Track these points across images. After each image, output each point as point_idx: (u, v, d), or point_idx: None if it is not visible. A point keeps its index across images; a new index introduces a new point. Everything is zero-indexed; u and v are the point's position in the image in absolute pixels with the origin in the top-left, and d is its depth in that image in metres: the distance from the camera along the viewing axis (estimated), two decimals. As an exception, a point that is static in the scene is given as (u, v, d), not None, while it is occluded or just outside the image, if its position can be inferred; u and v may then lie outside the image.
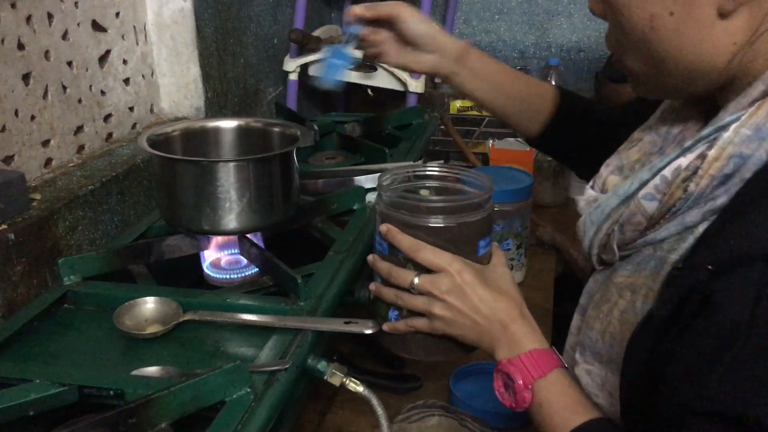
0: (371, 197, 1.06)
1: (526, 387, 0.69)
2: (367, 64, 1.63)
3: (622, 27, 0.64)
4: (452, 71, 0.96)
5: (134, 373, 0.67)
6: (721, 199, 0.60)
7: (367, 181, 1.08)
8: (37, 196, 0.92)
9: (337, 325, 0.73)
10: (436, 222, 0.73)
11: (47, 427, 0.63)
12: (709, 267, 0.55)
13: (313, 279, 0.82)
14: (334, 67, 0.94)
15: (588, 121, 1.01)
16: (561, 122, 1.00)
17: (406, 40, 0.94)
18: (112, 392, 0.64)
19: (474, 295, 0.72)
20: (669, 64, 0.62)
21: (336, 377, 0.69)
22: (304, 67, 1.72)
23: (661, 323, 0.60)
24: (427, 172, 0.83)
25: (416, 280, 0.73)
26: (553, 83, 1.91)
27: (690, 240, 0.63)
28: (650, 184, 0.65)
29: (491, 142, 1.58)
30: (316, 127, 1.28)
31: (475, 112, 1.99)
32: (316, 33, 1.77)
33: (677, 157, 0.63)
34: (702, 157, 0.61)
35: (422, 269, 0.73)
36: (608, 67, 1.35)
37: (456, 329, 0.74)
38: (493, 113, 1.01)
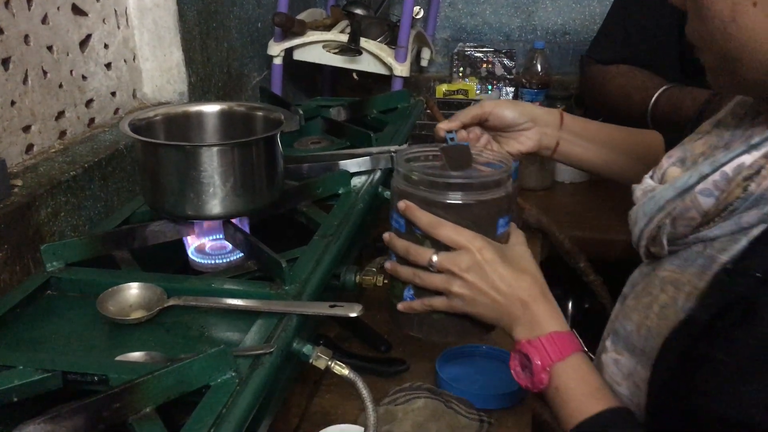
0: (356, 181, 1.05)
1: (544, 369, 0.68)
2: (352, 48, 1.62)
3: (702, 16, 0.60)
4: (558, 138, 0.95)
5: (118, 358, 0.67)
6: None
7: (352, 165, 1.08)
8: (19, 183, 0.91)
9: (322, 309, 0.73)
10: (455, 199, 0.72)
11: (32, 414, 0.63)
12: (758, 274, 0.54)
13: (298, 263, 0.82)
14: None
15: None
16: None
17: (503, 129, 0.94)
18: (96, 378, 0.63)
19: (494, 273, 0.71)
20: (746, 57, 0.58)
21: (321, 360, 0.70)
22: (288, 51, 1.71)
23: (702, 326, 0.58)
24: None
25: (435, 258, 0.72)
26: (539, 67, 1.91)
27: (743, 242, 0.60)
28: (709, 179, 0.62)
29: (477, 125, 1.58)
30: (300, 112, 1.28)
31: (460, 96, 1.99)
32: (301, 16, 1.75)
33: (741, 153, 0.60)
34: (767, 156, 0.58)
35: (440, 247, 0.72)
36: (593, 49, 1.35)
37: (475, 307, 0.73)
38: (611, 174, 0.99)
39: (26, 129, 0.98)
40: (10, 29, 0.94)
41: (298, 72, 1.86)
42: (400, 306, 0.76)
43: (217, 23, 1.42)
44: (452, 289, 0.72)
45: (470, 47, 2.06)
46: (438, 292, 0.74)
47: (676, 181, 0.66)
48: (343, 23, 1.77)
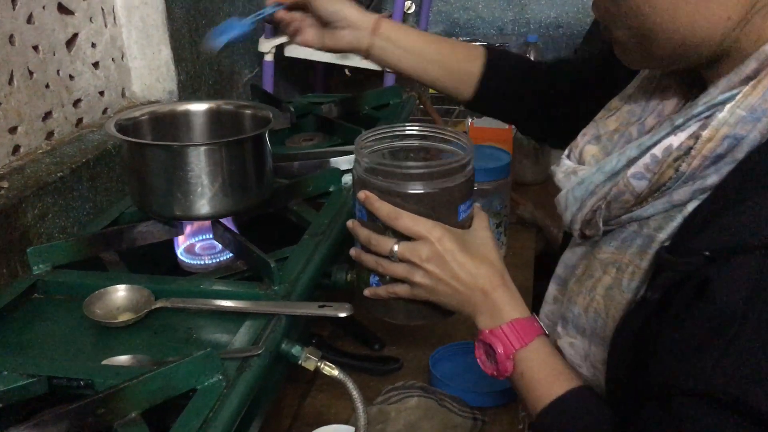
0: (347, 179, 1.05)
1: (507, 357, 0.70)
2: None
3: None
4: (369, 44, 0.95)
5: (105, 362, 0.66)
6: (712, 179, 0.60)
7: (343, 162, 1.07)
8: (5, 184, 0.90)
9: (311, 309, 0.72)
10: (415, 189, 0.72)
11: (18, 420, 0.62)
12: (706, 253, 0.55)
13: (287, 263, 0.81)
14: (222, 32, 0.95)
15: (523, 76, 1.00)
16: (491, 80, 0.99)
17: (321, 21, 0.95)
18: (82, 382, 0.62)
19: (454, 263, 0.71)
20: (660, 35, 0.61)
21: (310, 361, 0.69)
22: (279, 48, 1.70)
23: (654, 305, 0.60)
24: (406, 132, 0.81)
25: (395, 248, 0.72)
26: (532, 59, 1.90)
27: (678, 219, 0.62)
28: (639, 162, 0.63)
29: (470, 120, 1.57)
30: (292, 109, 1.27)
31: (454, 91, 1.97)
32: (292, 13, 1.74)
33: (667, 135, 0.62)
34: (695, 137, 0.59)
35: (402, 236, 0.72)
36: (586, 42, 1.34)
37: (437, 296, 0.73)
38: (421, 81, 1.00)
39: (12, 130, 0.97)
40: (-6, 29, 0.93)
41: (291, 69, 1.85)
42: (366, 291, 0.77)
43: (206, 20, 1.41)
44: (414, 278, 0.73)
45: (463, 41, 2.05)
46: (402, 280, 0.74)
47: (603, 164, 0.67)
48: (335, 19, 1.75)
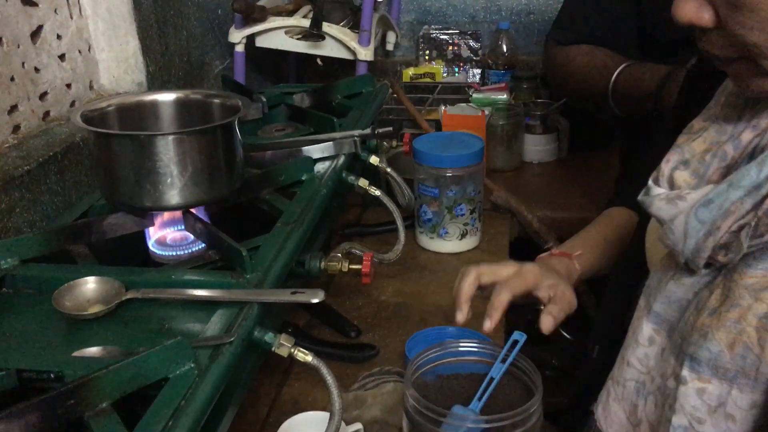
0: (320, 167, 1.04)
1: None
2: (314, 33, 1.60)
3: (766, 23, 0.54)
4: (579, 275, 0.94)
5: (75, 354, 0.65)
6: None
7: (315, 151, 1.07)
8: (-30, 179, 0.88)
9: (283, 296, 0.72)
10: None
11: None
12: None
13: (259, 251, 0.80)
14: None
15: None
16: None
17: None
18: (52, 375, 0.62)
19: None
20: None
21: (284, 348, 0.69)
22: (250, 39, 1.68)
23: None
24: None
25: None
26: (505, 48, 1.91)
27: None
28: None
29: (443, 107, 1.58)
30: (264, 99, 1.26)
31: (427, 80, 1.97)
32: (261, 2, 1.73)
33: None
34: None
35: None
36: (553, 31, 1.34)
37: None
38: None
39: (-23, 124, 0.96)
40: (-46, 21, 0.91)
41: (263, 59, 1.84)
42: None
43: (174, 11, 1.39)
44: None
45: (435, 30, 2.05)
46: None
47: (737, 179, 0.60)
48: (306, 8, 1.75)
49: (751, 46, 0.56)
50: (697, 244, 0.62)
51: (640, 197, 0.69)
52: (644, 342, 0.70)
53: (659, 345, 0.69)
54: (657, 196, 0.66)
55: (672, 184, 0.67)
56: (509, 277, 0.85)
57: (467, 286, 0.84)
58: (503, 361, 0.74)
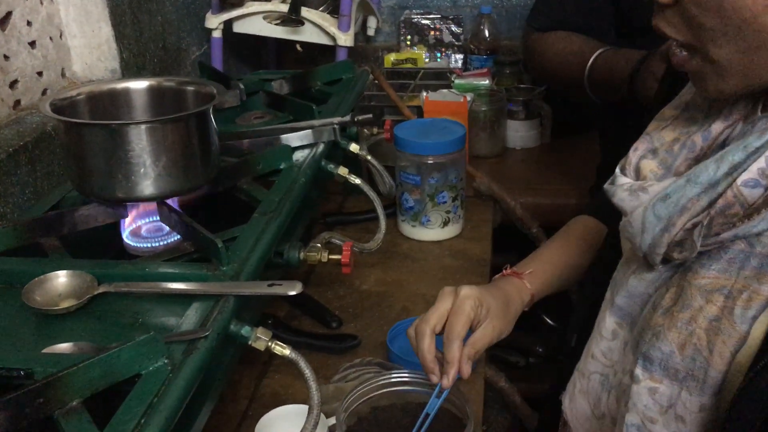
0: (298, 155, 1.02)
1: None
2: (293, 18, 1.57)
3: (722, 8, 0.53)
4: (532, 293, 0.87)
5: (45, 350, 0.64)
6: None
7: (293, 139, 1.05)
8: (-63, 171, 0.86)
9: (260, 289, 0.71)
10: None
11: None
12: None
13: (236, 242, 0.79)
14: None
15: None
16: None
17: None
18: (22, 372, 0.60)
19: None
20: None
21: (261, 342, 0.67)
22: (228, 24, 1.65)
23: None
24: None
25: None
26: (487, 32, 1.89)
27: None
28: (752, 167, 0.55)
29: (425, 94, 1.56)
30: (241, 86, 1.23)
31: (409, 65, 1.95)
32: (239, -13, 1.70)
33: None
34: None
35: None
36: (531, 17, 1.33)
37: None
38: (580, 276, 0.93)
39: (-57, 114, 0.93)
40: None
41: (241, 45, 1.81)
42: None
43: (148, -4, 1.36)
44: None
45: (417, 14, 2.02)
46: None
47: (695, 174, 0.58)
48: (285, -7, 1.71)
49: (703, 29, 0.55)
50: (654, 240, 0.60)
51: (605, 185, 0.67)
52: (607, 335, 0.69)
53: (622, 339, 0.68)
54: (621, 186, 0.65)
55: (638, 174, 0.65)
56: (453, 318, 0.76)
57: (427, 349, 0.75)
58: (438, 395, 0.73)
